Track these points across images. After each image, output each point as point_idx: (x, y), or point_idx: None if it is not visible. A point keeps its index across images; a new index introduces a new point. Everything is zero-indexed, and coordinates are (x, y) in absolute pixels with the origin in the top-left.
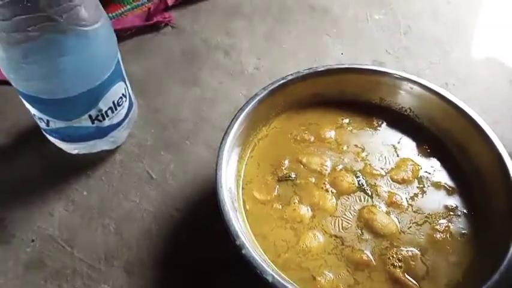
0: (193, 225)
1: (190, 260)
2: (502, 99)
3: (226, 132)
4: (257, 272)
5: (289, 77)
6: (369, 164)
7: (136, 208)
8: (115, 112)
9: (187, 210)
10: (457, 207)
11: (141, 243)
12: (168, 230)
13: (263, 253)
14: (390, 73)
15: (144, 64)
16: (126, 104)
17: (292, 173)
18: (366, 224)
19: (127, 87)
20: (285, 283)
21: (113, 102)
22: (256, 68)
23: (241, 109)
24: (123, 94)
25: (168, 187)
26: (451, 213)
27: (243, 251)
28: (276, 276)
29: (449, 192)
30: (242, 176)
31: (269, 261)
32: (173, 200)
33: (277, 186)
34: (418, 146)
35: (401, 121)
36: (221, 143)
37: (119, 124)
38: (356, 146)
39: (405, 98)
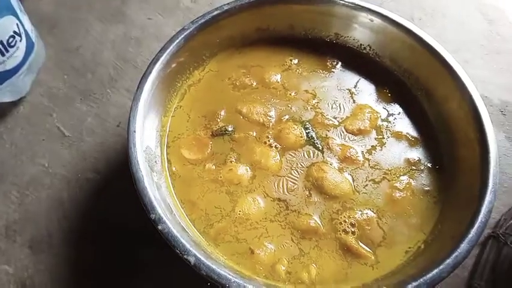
0: (114, 190)
1: (108, 233)
2: (474, 35)
3: (143, 77)
4: (177, 251)
5: (225, 7)
6: (321, 113)
7: (45, 172)
8: (6, 55)
9: (106, 173)
10: (419, 160)
11: (50, 215)
12: (83, 197)
13: (191, 224)
14: (347, 3)
15: None
16: (22, 45)
17: (229, 126)
18: (315, 184)
19: (21, 23)
20: (211, 264)
21: (1, 42)
22: (193, 1)
23: (164, 48)
24: (15, 32)
25: (83, 145)
26: (413, 167)
27: (160, 227)
28: (199, 256)
29: (412, 143)
30: (167, 131)
31: (198, 233)
32: (90, 161)
33: (211, 142)
34: (378, 90)
35: (359, 61)
36: (136, 91)
37: (16, 70)
38: (306, 91)
39: (364, 33)
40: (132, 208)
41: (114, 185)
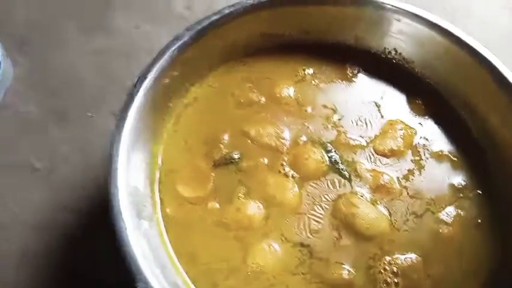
0: (95, 239)
1: None
2: (502, 32)
3: (128, 99)
4: None
5: (226, 11)
6: (344, 132)
7: (11, 219)
8: None
9: (86, 215)
10: (467, 186)
11: (17, 275)
12: (57, 248)
13: (191, 285)
14: (369, 0)
15: (31, 3)
16: None
17: (235, 153)
18: (344, 222)
19: None
20: None
21: None
22: (187, 8)
23: (153, 62)
24: None
25: (57, 179)
26: (461, 194)
27: None
28: None
29: (455, 164)
30: (160, 163)
31: None
32: (64, 199)
33: (214, 174)
34: (409, 101)
35: (384, 68)
36: (119, 117)
37: None
38: (325, 106)
39: (389, 36)
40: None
41: (93, 229)
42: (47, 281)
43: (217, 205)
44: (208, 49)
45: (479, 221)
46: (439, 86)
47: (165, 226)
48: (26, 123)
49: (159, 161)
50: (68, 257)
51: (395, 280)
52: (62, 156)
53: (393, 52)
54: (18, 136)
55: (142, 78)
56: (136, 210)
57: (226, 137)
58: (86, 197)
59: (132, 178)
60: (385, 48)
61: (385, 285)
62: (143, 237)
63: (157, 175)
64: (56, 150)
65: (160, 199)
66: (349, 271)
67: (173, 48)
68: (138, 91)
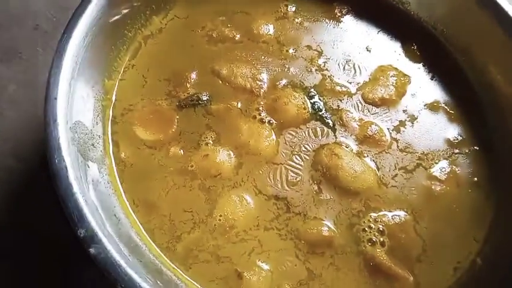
0: (40, 186)
1: (31, 247)
2: None
3: (71, 20)
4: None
5: None
6: (329, 76)
7: None
8: None
9: (32, 161)
10: (463, 140)
11: None
12: (2, 192)
13: (147, 238)
14: None
15: None
16: None
17: (204, 94)
18: (326, 175)
19: None
20: None
21: None
22: None
23: None
24: None
25: (4, 122)
26: (456, 150)
27: (92, 250)
28: None
29: (452, 117)
30: (113, 99)
31: (158, 250)
32: (10, 144)
33: (178, 116)
34: (403, 45)
35: (376, 9)
36: (60, 40)
37: None
38: (309, 47)
39: None
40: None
41: (40, 177)
42: None
43: (181, 151)
44: None
45: (475, 179)
46: (436, 30)
47: (118, 172)
48: None
49: (113, 98)
50: (11, 205)
51: (381, 239)
52: (8, 95)
53: None
54: None
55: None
56: (81, 149)
57: (193, 75)
58: (33, 142)
59: (76, 112)
60: None
61: (369, 244)
62: (91, 187)
63: (111, 113)
64: (2, 89)
65: (114, 141)
66: (329, 228)
67: None
68: (83, 12)
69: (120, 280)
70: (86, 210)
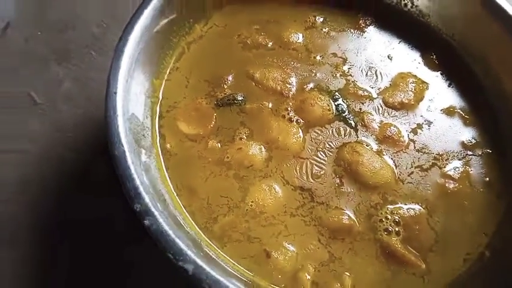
0: (94, 176)
1: (85, 229)
2: None
3: (128, 25)
4: (169, 256)
5: None
6: (353, 81)
7: (10, 148)
8: None
9: (86, 153)
10: (477, 143)
11: (17, 200)
12: (56, 182)
13: (189, 217)
14: None
15: None
16: None
17: (239, 94)
18: (348, 170)
19: None
20: (215, 274)
21: None
22: None
23: None
24: None
25: (58, 116)
26: (469, 152)
27: (146, 221)
28: (200, 263)
29: (467, 122)
30: (160, 97)
31: (198, 230)
32: (66, 136)
33: (216, 113)
34: (423, 55)
35: (398, 20)
36: (119, 42)
37: None
38: (334, 55)
39: None
40: (117, 198)
41: (95, 168)
42: (44, 215)
43: (218, 144)
44: None
45: (487, 179)
46: (454, 41)
47: (164, 161)
48: (27, 57)
49: (160, 96)
50: (67, 191)
51: (397, 229)
52: (63, 93)
53: (409, 4)
54: (17, 71)
55: (143, 7)
56: (135, 138)
57: (230, 77)
58: (85, 135)
59: (131, 105)
60: None
61: (385, 233)
62: (143, 170)
63: (158, 109)
64: (57, 86)
65: (161, 134)
66: (349, 217)
67: None
68: (138, 19)
69: (169, 248)
70: (141, 189)
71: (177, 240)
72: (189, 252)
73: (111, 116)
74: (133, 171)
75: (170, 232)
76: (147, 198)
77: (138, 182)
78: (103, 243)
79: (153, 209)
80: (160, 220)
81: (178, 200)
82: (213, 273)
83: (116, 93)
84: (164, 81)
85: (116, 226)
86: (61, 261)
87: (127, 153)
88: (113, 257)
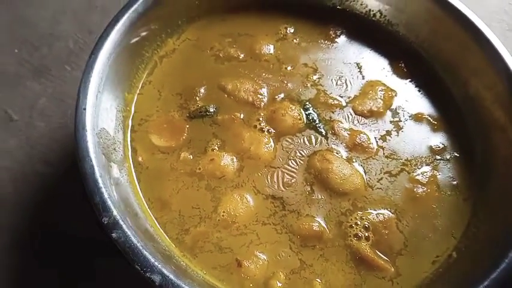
0: (67, 189)
1: (57, 242)
2: (492, 9)
3: (99, 41)
4: (137, 267)
5: None
6: (323, 91)
7: None
8: None
9: (59, 167)
10: (445, 148)
11: None
12: (30, 196)
13: (160, 229)
14: None
15: None
16: None
17: (211, 106)
18: (318, 178)
19: None
20: (182, 283)
21: None
22: None
23: (126, 6)
24: None
25: (34, 132)
26: (438, 157)
27: (114, 234)
28: (167, 273)
29: (435, 127)
30: (132, 111)
31: (169, 241)
32: (41, 151)
33: (188, 126)
34: (391, 63)
35: (367, 30)
36: (89, 58)
37: None
38: (305, 65)
39: None
40: (90, 212)
41: (68, 181)
42: (16, 228)
43: (191, 156)
44: (187, 1)
45: (455, 183)
46: (422, 48)
47: (136, 174)
48: (3, 75)
49: (132, 110)
50: (40, 205)
51: (366, 234)
52: (39, 108)
53: (378, 14)
54: None
55: (113, 22)
56: (105, 152)
57: (202, 90)
58: (61, 150)
59: (101, 121)
60: (369, 10)
61: (355, 238)
62: (113, 184)
63: (130, 123)
64: (33, 103)
65: (133, 147)
66: (319, 224)
67: None
68: (108, 35)
69: (137, 260)
70: (109, 202)
71: (145, 252)
72: (156, 264)
73: (80, 132)
74: (101, 184)
75: (138, 244)
76: (115, 211)
77: (106, 195)
78: (78, 255)
79: (121, 222)
80: (128, 233)
81: (150, 212)
82: (179, 282)
83: (85, 109)
84: (136, 95)
85: (91, 238)
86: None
87: (95, 168)
88: (86, 268)
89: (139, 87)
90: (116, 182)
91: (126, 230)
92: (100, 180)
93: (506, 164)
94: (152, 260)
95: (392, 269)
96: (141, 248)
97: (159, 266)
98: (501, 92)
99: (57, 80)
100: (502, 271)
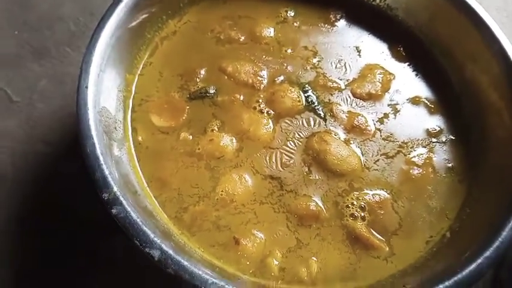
0: (68, 168)
1: (59, 221)
2: None
3: (101, 21)
4: (136, 242)
5: None
6: (322, 74)
7: None
8: None
9: (60, 146)
10: (441, 130)
11: None
12: (31, 175)
13: (159, 208)
14: None
15: None
16: None
17: (211, 87)
18: (316, 159)
19: None
20: (181, 259)
21: None
22: None
23: None
24: None
25: (35, 112)
26: (434, 139)
27: (114, 210)
28: (166, 249)
29: (432, 110)
30: (133, 91)
31: (168, 219)
32: (41, 131)
33: (188, 106)
34: (390, 47)
35: (367, 14)
36: (91, 39)
37: None
38: (305, 48)
39: None
40: (89, 190)
41: (68, 161)
42: (18, 208)
43: (190, 136)
44: None
45: (450, 165)
46: (421, 33)
47: (136, 153)
48: (4, 56)
49: (133, 90)
50: (41, 183)
51: (362, 214)
52: (39, 89)
53: None
54: None
55: (115, 3)
56: (106, 130)
57: (202, 71)
58: (62, 130)
59: (102, 99)
60: None
61: (351, 218)
62: (114, 162)
63: (131, 103)
64: (34, 83)
65: (133, 127)
66: (316, 203)
67: None
68: (110, 16)
69: (136, 235)
70: (109, 178)
71: (144, 228)
72: (155, 239)
73: (82, 110)
74: (102, 161)
75: (137, 220)
76: (115, 188)
77: (106, 172)
78: (75, 235)
79: (121, 198)
80: (128, 209)
81: (149, 191)
82: (178, 258)
83: (87, 87)
84: (137, 75)
85: (93, 217)
86: (33, 252)
87: (97, 145)
88: (86, 248)
89: (141, 68)
90: (116, 160)
91: (126, 206)
92: (101, 158)
93: (501, 146)
94: (152, 235)
95: (387, 249)
96: (140, 223)
97: (158, 241)
98: (497, 76)
99: (58, 62)
100: (495, 249)
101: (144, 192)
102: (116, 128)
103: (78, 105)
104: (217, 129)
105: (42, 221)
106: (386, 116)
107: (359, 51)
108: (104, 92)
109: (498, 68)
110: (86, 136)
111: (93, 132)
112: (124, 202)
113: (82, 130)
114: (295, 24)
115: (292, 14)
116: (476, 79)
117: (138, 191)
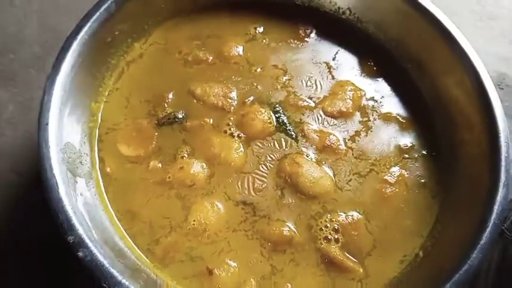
0: (37, 198)
1: (25, 251)
2: None
3: (60, 52)
4: (104, 286)
5: None
6: (293, 92)
7: None
8: None
9: (30, 176)
10: (413, 146)
11: None
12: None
13: (130, 241)
14: None
15: None
16: None
17: (180, 112)
18: (288, 182)
19: None
20: None
21: None
22: None
23: (88, 14)
24: None
25: (2, 140)
26: (406, 155)
27: (80, 253)
28: None
29: (403, 126)
30: (99, 120)
31: (140, 253)
32: (10, 160)
33: (157, 133)
34: (361, 62)
35: (337, 29)
36: (51, 71)
37: None
38: (275, 66)
39: None
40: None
41: (39, 190)
42: None
43: (160, 164)
44: (153, 2)
45: (423, 181)
46: (391, 46)
47: (104, 185)
48: None
49: (99, 119)
50: (8, 215)
51: (336, 236)
52: (7, 116)
53: (347, 12)
54: None
55: (75, 31)
56: (70, 168)
57: (171, 95)
58: (30, 158)
59: (65, 135)
60: (338, 7)
61: (325, 241)
62: (79, 196)
63: (97, 133)
64: (1, 111)
65: (100, 158)
66: (290, 228)
67: (109, 1)
68: (70, 45)
69: (103, 279)
70: (74, 220)
71: (111, 270)
72: (123, 281)
73: (43, 149)
74: (65, 203)
75: (104, 262)
76: (80, 230)
77: (71, 213)
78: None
79: (86, 240)
80: (95, 251)
81: (119, 224)
82: None
83: (47, 124)
84: (103, 103)
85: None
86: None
87: (60, 186)
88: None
89: (106, 95)
90: (82, 195)
91: (92, 248)
92: (65, 198)
93: (473, 161)
94: (119, 277)
95: (361, 270)
96: (107, 265)
97: (126, 283)
98: (469, 91)
99: (24, 86)
100: (464, 273)
101: (114, 226)
102: (81, 162)
103: (39, 145)
104: (187, 156)
105: (12, 255)
106: (358, 133)
107: (329, 68)
108: (67, 126)
109: (470, 84)
110: (47, 178)
111: (56, 171)
112: (90, 244)
113: (43, 172)
114: (264, 41)
115: (261, 30)
116: (448, 93)
117: (107, 226)
